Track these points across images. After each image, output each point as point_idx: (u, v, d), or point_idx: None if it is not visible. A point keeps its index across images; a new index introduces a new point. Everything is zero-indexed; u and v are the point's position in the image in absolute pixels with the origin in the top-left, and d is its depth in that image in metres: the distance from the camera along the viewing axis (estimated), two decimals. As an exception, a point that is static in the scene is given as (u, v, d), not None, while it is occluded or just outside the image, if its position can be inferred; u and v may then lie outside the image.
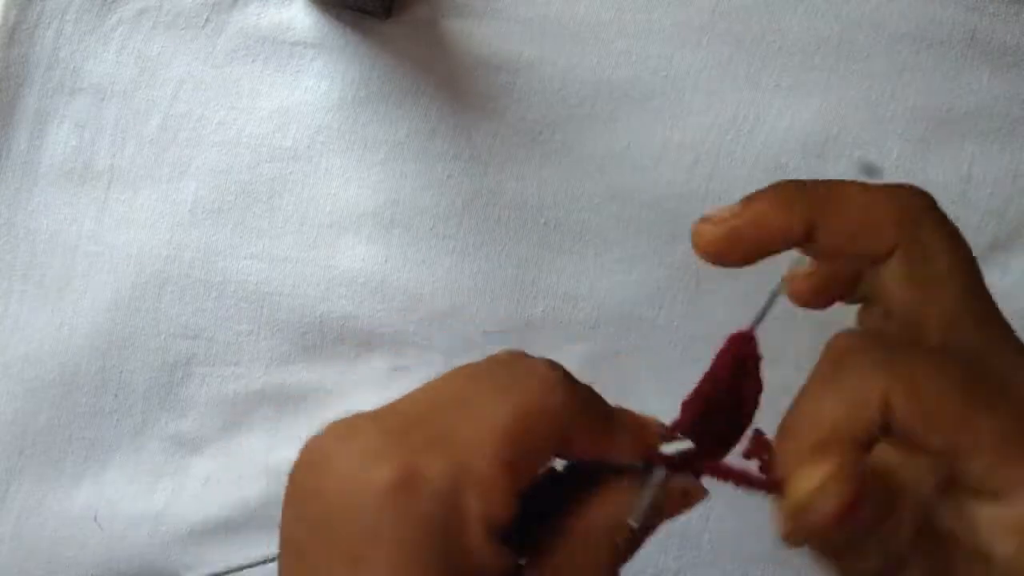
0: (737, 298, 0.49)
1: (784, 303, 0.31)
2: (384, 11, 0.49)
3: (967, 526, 0.26)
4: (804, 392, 0.27)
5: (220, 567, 0.49)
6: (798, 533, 0.26)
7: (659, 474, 0.27)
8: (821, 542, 0.26)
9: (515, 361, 0.27)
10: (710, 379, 0.29)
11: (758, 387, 0.29)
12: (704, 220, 0.28)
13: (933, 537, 0.26)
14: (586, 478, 0.28)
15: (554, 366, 0.27)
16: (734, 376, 0.28)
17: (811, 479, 0.25)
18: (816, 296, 0.31)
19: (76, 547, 0.50)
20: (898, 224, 0.28)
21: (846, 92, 0.49)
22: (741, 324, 0.49)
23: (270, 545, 0.49)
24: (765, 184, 0.50)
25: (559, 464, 0.29)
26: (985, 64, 0.49)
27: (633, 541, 0.28)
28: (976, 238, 0.49)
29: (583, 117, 0.49)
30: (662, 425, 0.28)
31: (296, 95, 0.50)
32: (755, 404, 0.29)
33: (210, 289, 0.50)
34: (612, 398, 0.29)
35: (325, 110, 0.50)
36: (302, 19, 0.50)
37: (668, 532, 0.48)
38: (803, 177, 0.48)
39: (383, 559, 0.24)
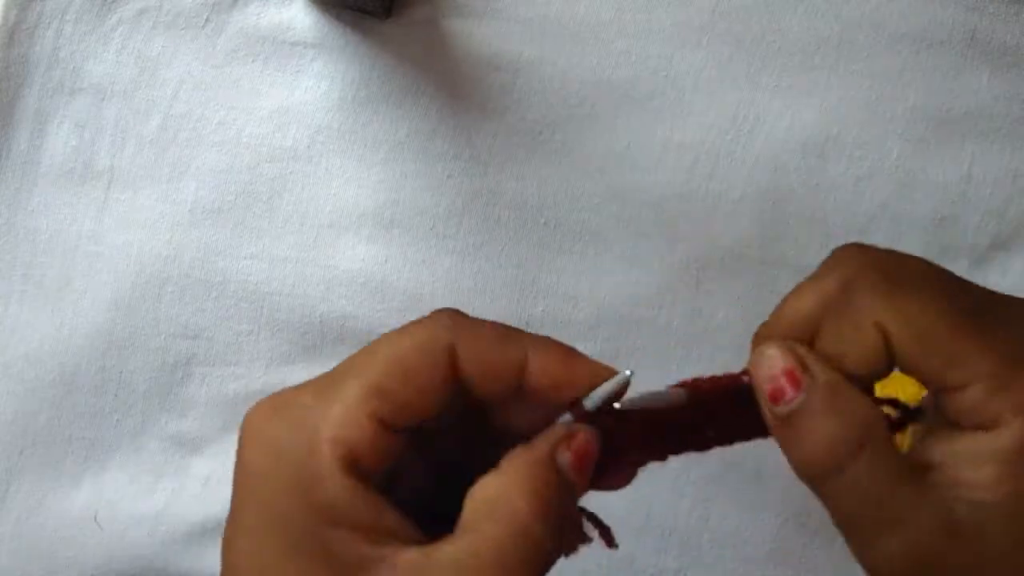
0: (737, 298, 0.49)
1: None
2: (384, 11, 0.49)
3: (942, 460, 0.26)
4: (795, 290, 0.28)
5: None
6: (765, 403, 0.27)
7: (624, 376, 0.28)
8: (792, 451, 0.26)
9: (436, 313, 0.28)
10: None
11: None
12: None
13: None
14: None
15: (456, 312, 0.28)
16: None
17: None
18: None
19: (76, 547, 0.50)
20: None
21: (846, 92, 0.49)
22: (740, 324, 0.49)
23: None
24: (765, 184, 0.50)
25: None
26: (985, 64, 0.49)
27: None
28: (976, 238, 0.49)
29: (583, 117, 0.49)
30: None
31: (296, 95, 0.50)
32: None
33: (210, 289, 0.50)
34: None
35: (325, 110, 0.50)
36: (302, 19, 0.50)
37: (668, 532, 0.48)
38: (803, 177, 0.48)
39: (252, 508, 0.27)
